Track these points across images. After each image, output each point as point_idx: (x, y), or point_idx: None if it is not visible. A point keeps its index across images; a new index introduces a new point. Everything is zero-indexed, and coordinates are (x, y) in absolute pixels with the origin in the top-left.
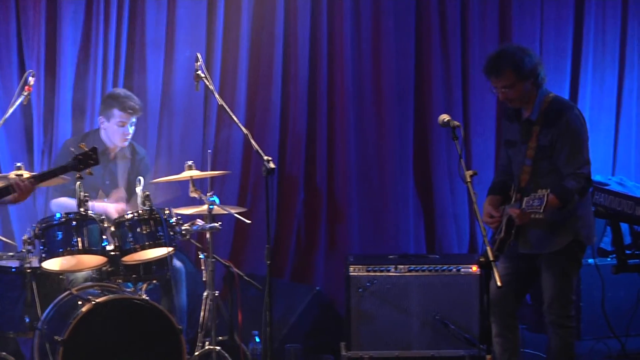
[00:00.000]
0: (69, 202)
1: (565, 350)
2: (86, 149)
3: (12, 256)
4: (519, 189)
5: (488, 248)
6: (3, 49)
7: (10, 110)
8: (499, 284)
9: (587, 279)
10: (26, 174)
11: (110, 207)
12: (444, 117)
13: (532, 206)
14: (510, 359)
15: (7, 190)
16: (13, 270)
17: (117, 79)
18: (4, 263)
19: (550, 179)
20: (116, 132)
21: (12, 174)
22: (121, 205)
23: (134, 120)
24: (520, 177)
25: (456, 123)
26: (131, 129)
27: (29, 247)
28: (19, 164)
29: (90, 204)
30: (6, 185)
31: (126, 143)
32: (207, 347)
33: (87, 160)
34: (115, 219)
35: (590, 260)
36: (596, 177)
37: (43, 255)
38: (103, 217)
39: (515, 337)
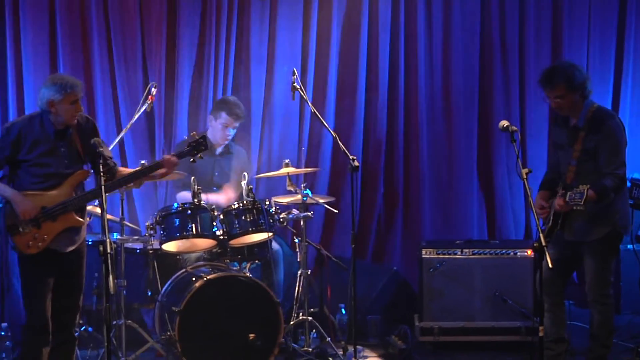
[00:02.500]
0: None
1: (606, 323)
2: (197, 137)
3: (137, 239)
4: (564, 185)
5: (541, 235)
6: (130, 64)
7: (136, 116)
8: (550, 265)
9: (626, 262)
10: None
11: (220, 198)
12: (504, 122)
13: (574, 199)
14: (558, 331)
15: (158, 165)
16: (138, 251)
17: (225, 91)
18: (130, 245)
19: (592, 178)
20: (219, 131)
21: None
22: (228, 196)
23: (237, 125)
24: (566, 175)
25: (514, 128)
26: (232, 132)
27: (151, 232)
28: (143, 162)
29: (204, 197)
30: (158, 162)
31: (226, 142)
32: (300, 318)
33: (199, 146)
34: (224, 208)
35: (629, 246)
36: (634, 174)
37: (163, 238)
38: (214, 206)
39: (562, 312)
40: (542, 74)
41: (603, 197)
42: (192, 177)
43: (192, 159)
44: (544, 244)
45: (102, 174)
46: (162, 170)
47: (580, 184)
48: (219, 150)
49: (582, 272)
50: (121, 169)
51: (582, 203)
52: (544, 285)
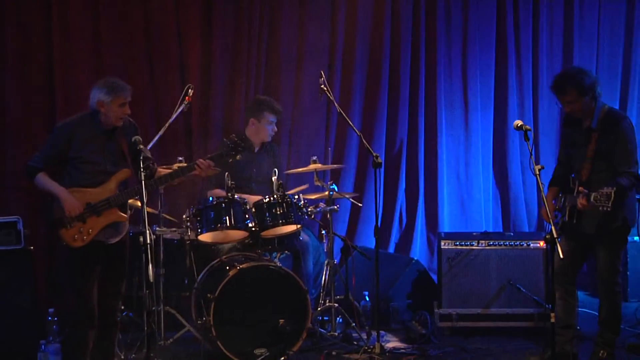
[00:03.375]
0: (222, 193)
1: (614, 310)
2: (236, 139)
3: (174, 231)
4: (580, 182)
5: (552, 227)
6: (170, 66)
7: (174, 117)
8: (561, 256)
9: (633, 253)
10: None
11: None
12: (518, 122)
13: (600, 200)
14: (568, 318)
15: (192, 167)
16: (175, 242)
17: (257, 90)
18: (168, 236)
19: (605, 175)
20: (266, 130)
21: (175, 166)
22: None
23: (276, 120)
24: (581, 172)
25: (528, 127)
26: (275, 127)
27: (188, 224)
28: (180, 158)
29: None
30: (192, 164)
31: (270, 138)
32: (327, 304)
33: (237, 147)
34: (255, 202)
35: (636, 238)
36: None
37: (199, 230)
38: (246, 200)
39: (574, 300)
40: (554, 81)
41: (621, 196)
42: (226, 173)
43: (230, 159)
44: (555, 236)
45: (142, 169)
46: (196, 172)
47: (595, 181)
48: (257, 148)
49: (590, 262)
50: (159, 169)
51: (609, 205)
52: (556, 274)
